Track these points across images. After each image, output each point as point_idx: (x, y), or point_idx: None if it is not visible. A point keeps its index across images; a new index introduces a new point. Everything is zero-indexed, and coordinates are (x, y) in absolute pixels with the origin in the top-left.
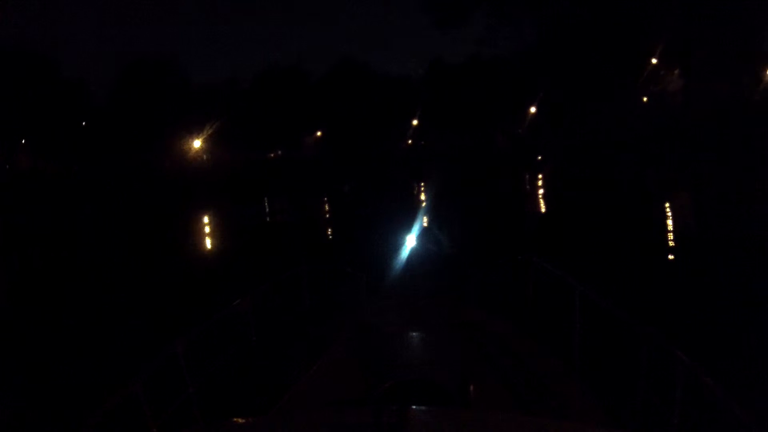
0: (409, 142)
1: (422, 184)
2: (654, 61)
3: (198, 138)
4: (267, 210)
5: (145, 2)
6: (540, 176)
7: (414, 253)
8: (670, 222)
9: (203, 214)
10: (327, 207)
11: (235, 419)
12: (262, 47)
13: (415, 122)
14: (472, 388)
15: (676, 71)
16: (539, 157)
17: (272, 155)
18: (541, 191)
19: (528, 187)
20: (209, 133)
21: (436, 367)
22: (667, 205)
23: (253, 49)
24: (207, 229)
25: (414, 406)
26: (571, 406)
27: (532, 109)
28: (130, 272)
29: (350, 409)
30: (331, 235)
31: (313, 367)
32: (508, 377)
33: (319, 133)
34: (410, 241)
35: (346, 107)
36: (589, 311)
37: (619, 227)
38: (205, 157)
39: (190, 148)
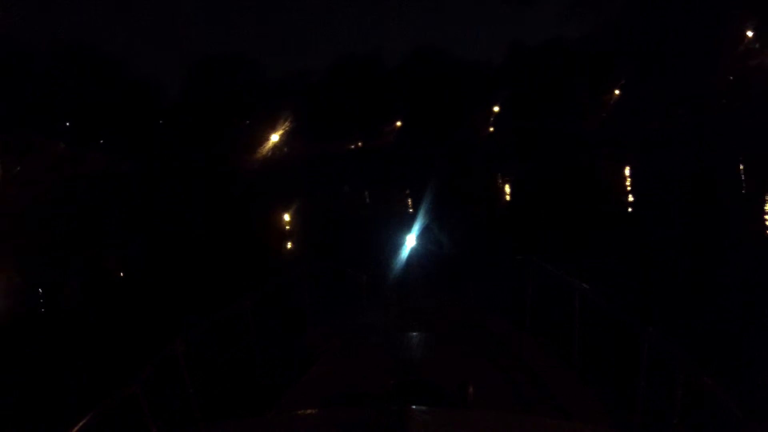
0: (491, 129)
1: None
2: (749, 33)
3: (278, 131)
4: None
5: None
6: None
7: (414, 253)
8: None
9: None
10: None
11: (235, 419)
12: (337, 37)
13: (496, 108)
14: (471, 388)
15: None
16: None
17: (352, 146)
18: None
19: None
20: (288, 126)
21: (436, 367)
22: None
23: (328, 39)
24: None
25: (414, 406)
26: (571, 406)
27: (616, 92)
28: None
29: (350, 409)
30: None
31: (313, 367)
32: (508, 377)
33: (398, 123)
34: (410, 241)
35: (424, 95)
36: (589, 311)
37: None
38: (286, 149)
39: (269, 142)
